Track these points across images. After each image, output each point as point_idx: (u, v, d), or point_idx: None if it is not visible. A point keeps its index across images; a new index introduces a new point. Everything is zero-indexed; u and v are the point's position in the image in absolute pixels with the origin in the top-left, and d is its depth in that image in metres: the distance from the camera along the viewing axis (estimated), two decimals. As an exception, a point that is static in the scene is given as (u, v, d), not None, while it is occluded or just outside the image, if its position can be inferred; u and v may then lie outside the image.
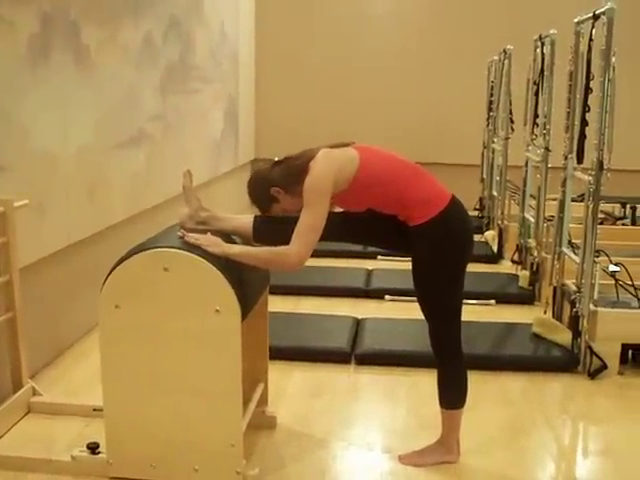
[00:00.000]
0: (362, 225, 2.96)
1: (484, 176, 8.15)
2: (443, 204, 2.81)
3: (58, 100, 3.95)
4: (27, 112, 3.66)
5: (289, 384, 3.88)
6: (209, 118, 7.11)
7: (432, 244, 2.82)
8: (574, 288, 4.27)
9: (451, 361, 2.97)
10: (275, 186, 2.82)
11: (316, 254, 6.72)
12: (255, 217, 2.89)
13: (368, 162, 2.80)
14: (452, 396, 3.01)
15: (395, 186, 2.81)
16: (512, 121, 6.77)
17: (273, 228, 2.88)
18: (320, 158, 2.76)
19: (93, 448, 2.89)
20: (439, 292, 2.89)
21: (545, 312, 4.79)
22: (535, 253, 5.53)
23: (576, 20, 4.54)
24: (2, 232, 3.26)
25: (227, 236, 2.82)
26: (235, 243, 2.81)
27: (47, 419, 3.38)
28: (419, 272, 2.88)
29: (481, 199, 8.25)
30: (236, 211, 3.16)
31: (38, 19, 3.71)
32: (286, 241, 2.92)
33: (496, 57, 7.35)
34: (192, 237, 2.67)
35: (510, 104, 6.82)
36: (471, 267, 2.97)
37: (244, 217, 2.92)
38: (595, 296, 4.13)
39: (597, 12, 4.04)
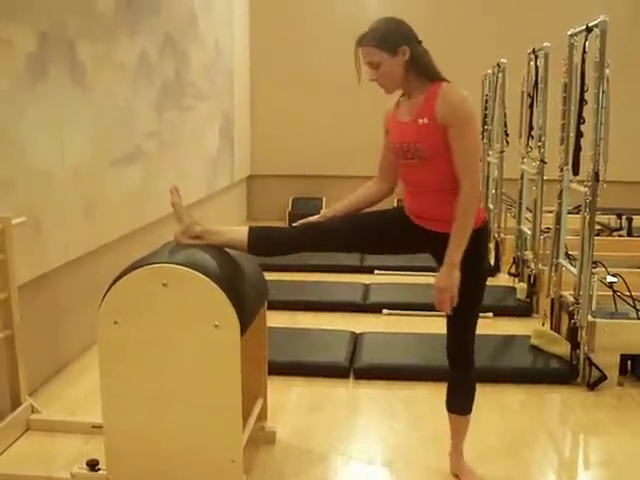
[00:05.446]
0: (372, 231, 2.89)
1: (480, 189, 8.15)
2: (484, 217, 2.83)
3: (55, 118, 3.96)
4: (24, 130, 3.67)
5: (288, 399, 3.87)
6: (205, 135, 7.13)
7: (474, 253, 2.73)
8: (572, 300, 4.28)
9: (470, 369, 2.94)
10: (409, 47, 2.69)
11: (313, 269, 6.76)
12: (250, 228, 2.88)
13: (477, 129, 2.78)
14: (470, 401, 2.99)
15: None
16: (507, 134, 6.79)
17: (269, 239, 2.88)
18: (465, 95, 2.67)
19: (93, 465, 2.88)
20: (473, 302, 2.83)
21: (543, 324, 4.79)
22: (532, 265, 5.53)
23: (569, 33, 4.57)
24: (0, 250, 3.26)
25: None
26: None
27: (46, 436, 3.37)
28: (464, 279, 2.72)
29: (477, 212, 8.25)
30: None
31: (35, 38, 3.73)
32: (282, 251, 2.91)
33: (490, 70, 7.38)
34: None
35: (505, 117, 6.85)
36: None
37: (238, 229, 2.91)
38: (593, 307, 4.13)
39: (590, 25, 4.07)
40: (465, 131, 2.63)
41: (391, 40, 2.68)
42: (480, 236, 2.77)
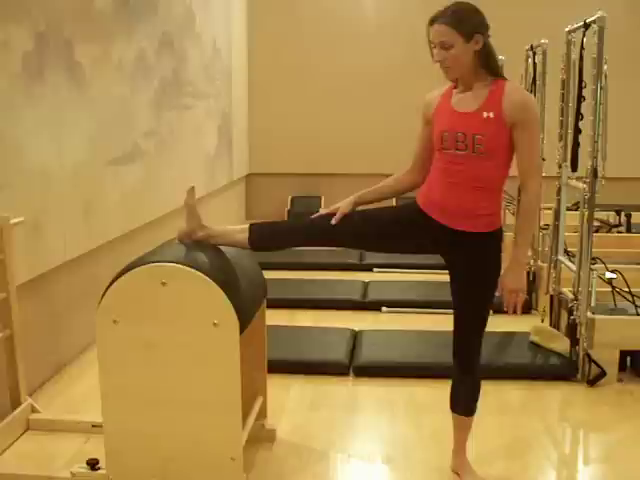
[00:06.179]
0: (378, 228, 2.88)
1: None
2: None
3: (53, 117, 3.95)
4: (22, 130, 3.66)
5: (288, 397, 3.87)
6: (203, 133, 7.12)
7: (499, 253, 2.78)
8: (571, 296, 4.28)
9: (476, 368, 2.94)
10: (483, 37, 2.65)
11: (312, 267, 6.74)
12: (250, 225, 2.87)
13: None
14: (475, 401, 2.99)
15: (506, 173, 2.76)
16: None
17: (270, 235, 2.88)
18: (530, 94, 2.84)
19: (93, 464, 2.88)
20: (489, 301, 2.85)
21: (542, 320, 4.80)
22: (531, 262, 5.53)
23: (567, 29, 4.57)
24: (-1, 249, 3.26)
25: None
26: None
27: (46, 436, 3.37)
28: (484, 280, 2.79)
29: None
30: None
31: (32, 38, 3.72)
32: (281, 247, 2.93)
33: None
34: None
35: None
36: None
37: (238, 232, 2.91)
38: (592, 303, 4.13)
39: (588, 21, 4.07)
40: (534, 131, 2.65)
41: (468, 25, 2.63)
42: (501, 236, 2.81)
